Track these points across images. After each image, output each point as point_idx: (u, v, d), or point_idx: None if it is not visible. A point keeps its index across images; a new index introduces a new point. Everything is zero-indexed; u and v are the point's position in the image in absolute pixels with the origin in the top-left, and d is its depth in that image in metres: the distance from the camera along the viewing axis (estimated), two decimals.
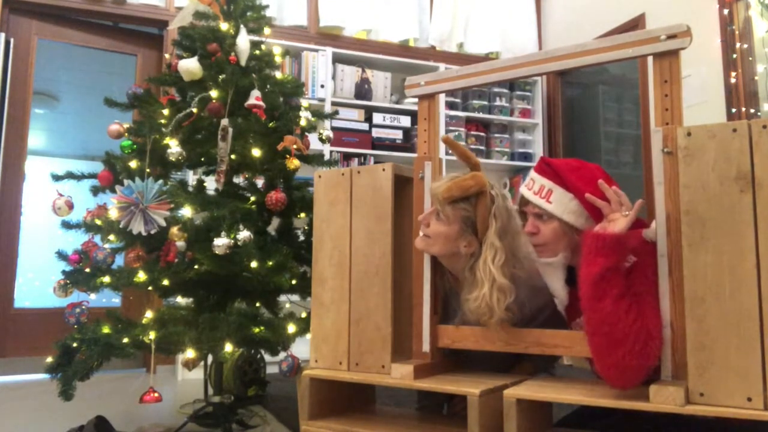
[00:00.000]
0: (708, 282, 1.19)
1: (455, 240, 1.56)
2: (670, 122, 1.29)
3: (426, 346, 1.58)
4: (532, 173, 1.53)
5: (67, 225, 2.29)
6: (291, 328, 2.14)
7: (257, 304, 2.34)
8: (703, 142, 1.21)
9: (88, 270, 2.18)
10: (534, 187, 1.50)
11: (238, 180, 2.55)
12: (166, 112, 2.37)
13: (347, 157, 4.29)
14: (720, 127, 1.20)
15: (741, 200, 1.17)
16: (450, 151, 4.40)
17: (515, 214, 1.59)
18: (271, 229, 2.51)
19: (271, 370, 2.99)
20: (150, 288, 2.20)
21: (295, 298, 2.47)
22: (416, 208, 1.65)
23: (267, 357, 2.98)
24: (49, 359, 2.15)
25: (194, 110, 2.31)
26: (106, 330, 2.10)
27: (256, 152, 2.34)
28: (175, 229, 2.14)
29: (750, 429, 1.20)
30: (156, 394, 2.00)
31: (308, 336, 1.78)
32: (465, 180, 1.53)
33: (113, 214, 2.12)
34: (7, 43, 3.74)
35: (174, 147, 2.22)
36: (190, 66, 2.32)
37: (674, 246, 1.24)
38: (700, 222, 1.20)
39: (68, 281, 2.21)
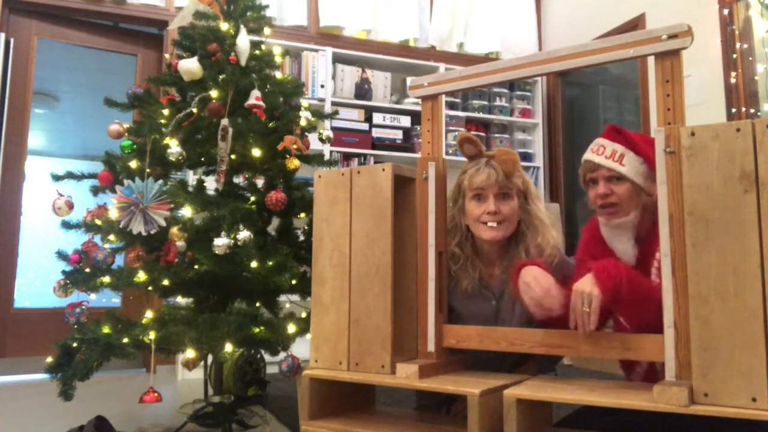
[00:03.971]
0: (712, 282, 1.18)
1: (518, 211, 1.72)
2: (672, 122, 1.29)
3: (431, 346, 1.58)
4: (601, 140, 1.61)
5: (67, 225, 2.29)
6: (291, 328, 2.14)
7: (257, 304, 2.33)
8: (706, 141, 1.21)
9: (88, 270, 2.18)
10: (605, 152, 1.58)
11: (238, 180, 2.55)
12: (166, 112, 2.36)
13: (347, 157, 4.29)
14: (723, 127, 1.20)
15: (745, 200, 1.16)
16: (450, 151, 4.40)
17: None
18: (271, 229, 2.51)
19: (271, 370, 2.99)
20: (150, 288, 2.19)
21: (295, 298, 2.47)
22: (420, 208, 1.64)
23: (267, 357, 2.98)
24: (49, 359, 2.14)
25: (194, 110, 2.30)
26: (106, 330, 2.10)
27: (256, 152, 2.33)
28: (175, 229, 2.14)
29: (754, 429, 1.20)
30: (156, 394, 2.00)
31: (308, 336, 1.78)
32: (508, 153, 1.69)
33: (113, 214, 2.12)
34: (7, 43, 3.74)
35: (174, 147, 2.22)
36: (190, 66, 2.31)
37: (678, 246, 1.24)
38: (704, 222, 1.20)
39: (68, 281, 2.20)
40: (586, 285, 1.36)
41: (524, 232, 1.75)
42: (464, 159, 1.81)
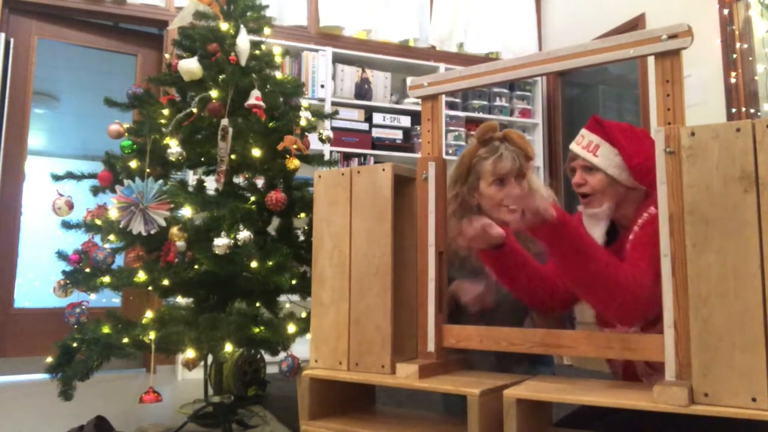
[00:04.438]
0: (712, 282, 1.18)
1: None
2: (672, 122, 1.29)
3: (431, 346, 1.58)
4: (582, 131, 1.65)
5: (67, 225, 2.29)
6: (291, 328, 2.14)
7: (257, 304, 2.33)
8: (706, 141, 1.21)
9: (88, 270, 2.18)
10: (583, 142, 1.62)
11: (238, 180, 2.55)
12: (166, 112, 2.36)
13: (347, 157, 4.29)
14: (723, 127, 1.20)
15: (745, 200, 1.16)
16: (450, 151, 4.40)
17: None
18: (271, 229, 2.51)
19: (271, 370, 2.99)
20: (150, 288, 2.19)
21: (295, 298, 2.47)
22: (420, 208, 1.64)
23: (267, 357, 2.98)
24: (49, 359, 2.14)
25: (194, 110, 2.30)
26: (106, 330, 2.10)
27: (256, 152, 2.33)
28: (175, 229, 2.14)
29: (754, 429, 1.20)
30: (156, 394, 2.00)
31: (308, 336, 1.78)
32: (520, 135, 1.79)
33: (113, 214, 2.12)
34: (7, 43, 3.74)
35: (174, 147, 2.22)
36: (190, 66, 2.31)
37: (678, 246, 1.24)
38: (704, 222, 1.20)
39: (68, 281, 2.20)
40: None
41: None
42: None
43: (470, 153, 1.84)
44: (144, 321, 2.12)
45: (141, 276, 2.07)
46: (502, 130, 1.85)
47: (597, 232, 1.60)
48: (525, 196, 1.40)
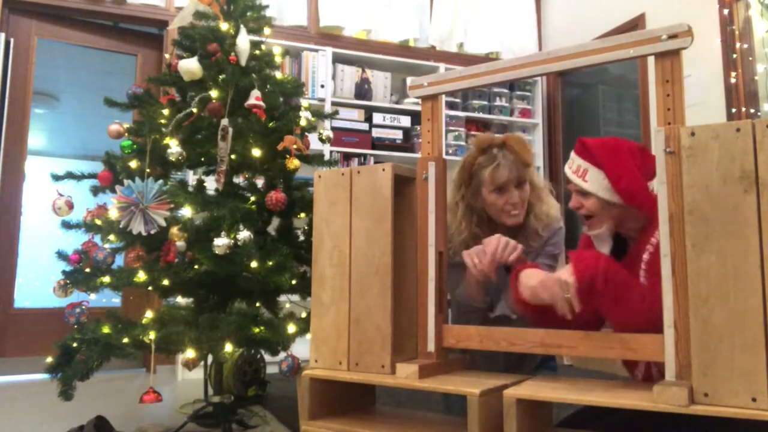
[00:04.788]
0: (712, 282, 1.18)
1: None
2: (672, 122, 1.29)
3: (431, 346, 1.58)
4: (572, 154, 1.64)
5: (67, 225, 2.29)
6: (291, 328, 2.14)
7: (257, 304, 2.33)
8: (706, 141, 1.21)
9: (88, 270, 2.18)
10: (573, 166, 1.62)
11: (238, 180, 2.55)
12: (166, 112, 2.36)
13: (347, 157, 4.29)
14: (723, 127, 1.20)
15: (745, 200, 1.16)
16: (450, 151, 4.40)
17: None
18: (271, 229, 2.51)
19: (271, 370, 2.99)
20: (150, 288, 2.19)
21: (295, 298, 2.47)
22: (420, 208, 1.64)
23: (267, 357, 2.98)
24: (49, 359, 2.14)
25: (194, 110, 2.30)
26: (106, 330, 2.10)
27: (256, 152, 2.33)
28: (175, 229, 2.14)
29: (754, 429, 1.20)
30: (156, 394, 2.00)
31: (308, 336, 1.78)
32: (520, 141, 1.83)
33: (113, 214, 2.12)
34: (7, 43, 3.74)
35: (174, 147, 2.22)
36: (190, 66, 2.31)
37: (678, 246, 1.24)
38: (704, 222, 1.20)
39: (68, 281, 2.20)
40: (564, 273, 1.43)
41: (531, 202, 1.89)
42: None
43: (471, 159, 1.88)
44: (144, 321, 2.12)
45: (141, 276, 2.07)
46: (504, 135, 1.86)
47: (604, 250, 1.61)
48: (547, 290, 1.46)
